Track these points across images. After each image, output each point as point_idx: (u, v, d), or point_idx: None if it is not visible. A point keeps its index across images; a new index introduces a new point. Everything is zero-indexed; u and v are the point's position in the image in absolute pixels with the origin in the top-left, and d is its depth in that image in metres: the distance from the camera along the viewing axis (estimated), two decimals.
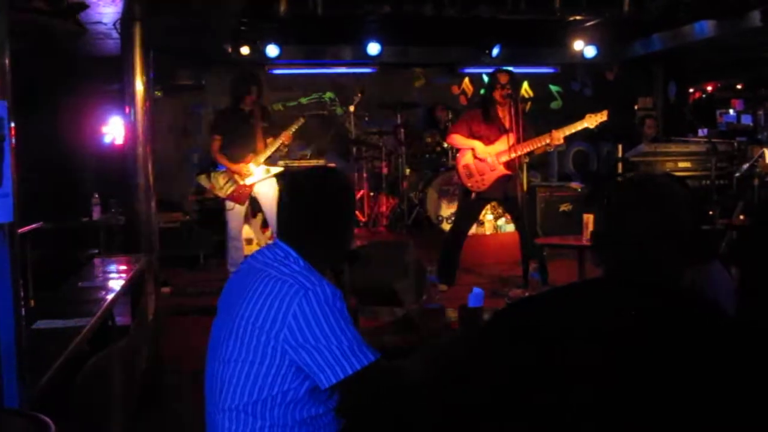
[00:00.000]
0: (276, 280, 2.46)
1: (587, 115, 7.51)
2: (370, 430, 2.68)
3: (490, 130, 7.42)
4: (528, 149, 7.26)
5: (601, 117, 7.47)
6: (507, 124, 7.37)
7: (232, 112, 8.43)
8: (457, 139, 7.56)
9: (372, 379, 2.43)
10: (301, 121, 8.55)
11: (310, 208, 2.65)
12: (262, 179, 8.23)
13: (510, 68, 7.74)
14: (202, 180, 8.40)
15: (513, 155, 7.24)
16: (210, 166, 8.48)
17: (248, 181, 8.20)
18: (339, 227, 2.72)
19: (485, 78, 12.30)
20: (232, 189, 8.18)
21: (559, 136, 7.26)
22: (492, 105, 7.42)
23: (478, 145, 7.39)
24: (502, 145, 7.33)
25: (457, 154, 7.65)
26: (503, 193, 7.42)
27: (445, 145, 10.29)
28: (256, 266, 2.60)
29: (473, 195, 7.49)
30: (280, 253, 2.59)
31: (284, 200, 2.73)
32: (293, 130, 8.41)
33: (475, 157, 7.41)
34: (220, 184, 8.20)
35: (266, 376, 2.40)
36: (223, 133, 8.31)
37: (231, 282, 2.71)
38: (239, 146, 8.24)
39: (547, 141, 7.25)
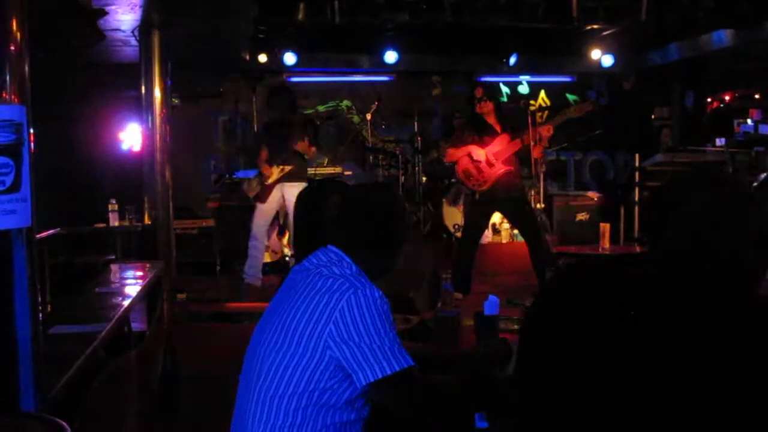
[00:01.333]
0: (327, 277, 2.54)
1: (573, 105, 7.78)
2: None
3: (484, 139, 7.53)
4: (523, 144, 7.38)
5: (587, 107, 7.81)
6: (499, 129, 7.57)
7: (275, 122, 8.86)
8: (453, 152, 7.68)
9: (408, 383, 2.46)
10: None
11: (369, 221, 2.76)
12: (279, 177, 8.48)
13: (526, 77, 7.81)
14: (244, 183, 9.23)
15: (511, 151, 7.46)
16: (228, 173, 8.85)
17: (270, 182, 8.52)
18: (393, 240, 2.82)
19: (503, 87, 12.34)
20: (258, 189, 8.66)
21: (549, 127, 7.58)
22: (479, 117, 7.59)
23: (473, 148, 7.50)
24: (497, 145, 7.46)
25: (456, 165, 7.69)
26: (506, 193, 7.48)
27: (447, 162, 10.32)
28: (308, 267, 2.67)
29: (477, 195, 7.55)
30: (334, 257, 2.67)
31: (341, 210, 2.85)
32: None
33: (471, 159, 7.49)
34: (252, 186, 8.72)
35: (305, 369, 2.43)
36: (268, 143, 8.71)
37: (284, 282, 2.78)
38: (278, 154, 8.62)
39: (538, 136, 7.42)
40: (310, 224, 3.52)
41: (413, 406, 2.52)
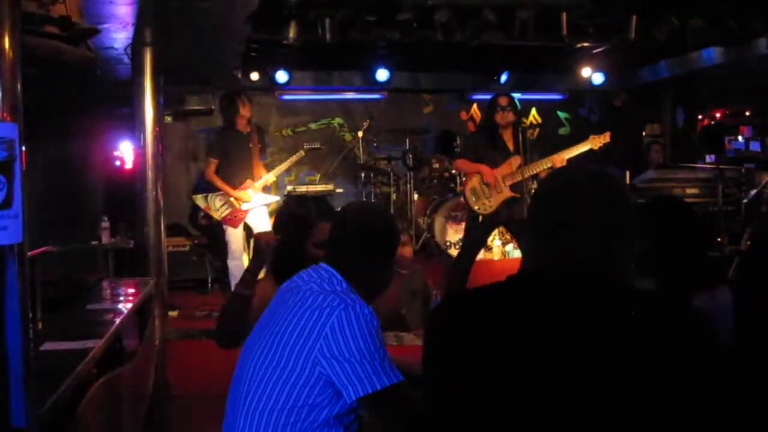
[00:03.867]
0: (318, 293, 2.58)
1: (590, 137, 7.60)
2: None
3: (495, 154, 7.48)
4: (533, 172, 7.32)
5: (604, 139, 7.55)
6: (512, 147, 7.45)
7: (228, 133, 8.60)
8: (464, 164, 7.64)
9: (397, 398, 2.48)
10: (301, 154, 8.83)
11: (362, 240, 2.84)
12: (258, 206, 8.35)
13: (518, 94, 7.81)
14: (199, 200, 8.59)
15: (519, 178, 7.30)
16: (210, 189, 8.63)
17: (244, 207, 8.32)
18: (384, 260, 2.90)
19: None
20: (227, 212, 8.34)
21: (563, 158, 7.35)
22: (495, 129, 7.49)
23: (484, 168, 7.44)
24: (507, 167, 7.40)
25: (464, 179, 7.68)
26: (509, 215, 7.45)
27: (453, 171, 10.33)
28: (299, 283, 2.71)
29: (481, 218, 7.51)
30: (325, 274, 2.73)
31: (335, 229, 2.90)
32: (288, 165, 8.74)
33: (481, 180, 7.45)
34: (216, 206, 8.39)
35: (295, 384, 2.45)
36: (219, 155, 8.46)
37: (273, 300, 2.80)
38: (236, 169, 8.44)
39: (550, 165, 7.33)
40: (296, 244, 3.54)
41: (403, 421, 2.53)
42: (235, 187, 8.33)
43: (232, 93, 8.68)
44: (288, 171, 9.23)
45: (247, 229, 8.72)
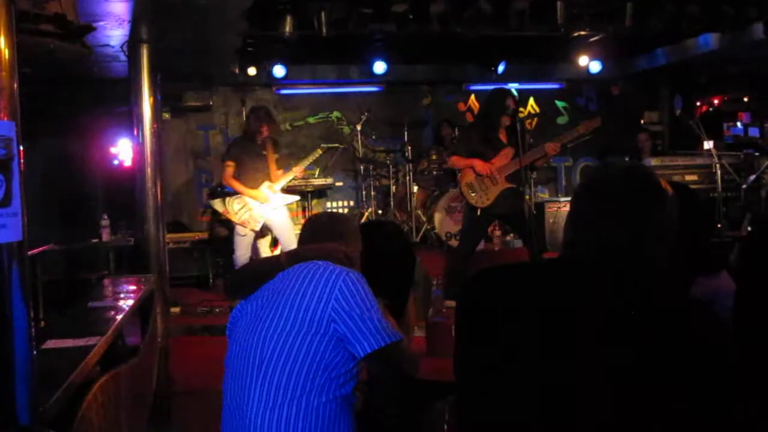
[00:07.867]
0: (318, 266, 2.81)
1: (581, 123, 7.51)
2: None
3: (488, 147, 7.42)
4: (527, 162, 7.26)
5: (595, 123, 7.45)
6: (505, 140, 7.40)
7: (246, 141, 8.50)
8: (457, 161, 7.58)
9: (400, 354, 2.80)
10: (318, 152, 8.83)
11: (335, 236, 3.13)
12: (277, 207, 8.32)
13: (515, 84, 7.77)
14: (217, 205, 8.49)
15: (513, 168, 7.27)
16: (220, 190, 8.58)
17: (260, 209, 8.26)
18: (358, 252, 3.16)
19: None
20: (246, 215, 8.25)
21: (554, 146, 7.26)
22: (494, 125, 7.42)
23: (477, 162, 7.38)
24: (501, 159, 7.35)
25: (459, 174, 7.65)
26: (508, 207, 7.40)
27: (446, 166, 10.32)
28: (293, 271, 2.86)
29: (479, 211, 7.48)
30: (321, 262, 2.88)
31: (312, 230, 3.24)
32: (307, 164, 8.69)
33: (476, 173, 7.41)
34: (235, 210, 8.28)
35: (311, 342, 2.65)
36: (235, 159, 8.34)
37: (262, 290, 2.91)
38: (252, 173, 8.33)
39: (544, 153, 7.28)
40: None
41: (403, 374, 2.86)
42: (253, 189, 8.29)
43: (262, 111, 8.60)
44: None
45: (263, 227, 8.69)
